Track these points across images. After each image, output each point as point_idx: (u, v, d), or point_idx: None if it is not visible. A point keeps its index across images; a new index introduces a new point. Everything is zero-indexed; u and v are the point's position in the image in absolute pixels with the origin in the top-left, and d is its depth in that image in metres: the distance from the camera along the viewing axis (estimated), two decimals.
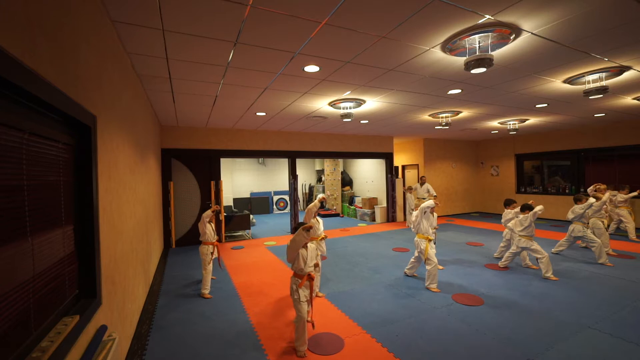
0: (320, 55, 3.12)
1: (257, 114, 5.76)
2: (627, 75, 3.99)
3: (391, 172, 9.67)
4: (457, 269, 4.79)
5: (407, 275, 4.54)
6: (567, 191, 9.10)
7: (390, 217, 9.61)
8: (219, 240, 7.18)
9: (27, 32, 1.10)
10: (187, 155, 6.99)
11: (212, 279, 4.48)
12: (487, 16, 2.41)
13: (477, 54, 2.88)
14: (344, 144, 8.95)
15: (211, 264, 4.09)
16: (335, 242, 6.89)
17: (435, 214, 4.80)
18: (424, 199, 8.67)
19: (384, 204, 9.86)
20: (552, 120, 7.32)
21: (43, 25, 1.23)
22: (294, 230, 2.82)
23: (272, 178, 13.04)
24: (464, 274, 4.52)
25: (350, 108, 5.37)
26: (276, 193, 12.88)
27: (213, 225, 4.24)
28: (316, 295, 3.75)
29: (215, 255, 4.21)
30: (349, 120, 5.63)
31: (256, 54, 3.04)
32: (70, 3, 1.52)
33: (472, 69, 2.89)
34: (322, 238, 3.86)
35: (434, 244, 4.90)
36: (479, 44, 2.82)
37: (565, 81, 4.19)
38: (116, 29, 2.45)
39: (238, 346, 2.75)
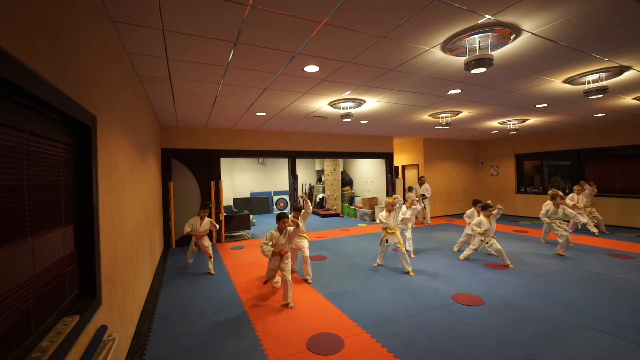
0: (320, 55, 3.12)
1: (257, 114, 5.76)
2: (627, 75, 3.99)
3: (391, 172, 9.66)
4: (457, 269, 4.79)
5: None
6: (567, 191, 9.09)
7: None
8: (219, 240, 7.20)
9: (27, 32, 1.10)
10: (187, 155, 6.99)
11: (210, 273, 4.85)
12: (487, 16, 2.41)
13: (477, 54, 2.88)
14: (344, 144, 8.95)
15: (192, 255, 5.20)
16: (335, 242, 6.89)
17: (405, 210, 5.53)
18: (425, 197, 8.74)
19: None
20: (552, 120, 7.32)
21: (43, 25, 1.23)
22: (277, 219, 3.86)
23: (272, 178, 13.04)
24: (464, 274, 4.52)
25: (350, 108, 5.37)
26: (276, 193, 12.88)
27: (200, 220, 4.94)
28: (305, 280, 4.44)
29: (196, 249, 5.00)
30: (349, 120, 5.63)
31: (256, 54, 3.05)
32: (70, 3, 1.52)
33: (472, 69, 2.89)
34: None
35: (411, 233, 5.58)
36: (479, 44, 2.82)
37: (565, 81, 4.19)
38: (116, 29, 2.45)
39: (238, 346, 2.75)
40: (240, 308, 3.55)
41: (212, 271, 4.80)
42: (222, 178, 8.17)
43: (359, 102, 5.10)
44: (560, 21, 2.51)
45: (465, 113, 6.26)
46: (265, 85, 4.05)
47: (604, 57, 3.37)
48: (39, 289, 1.30)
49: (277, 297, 3.83)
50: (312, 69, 3.48)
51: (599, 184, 8.38)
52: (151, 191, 4.72)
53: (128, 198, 2.81)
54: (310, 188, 13.41)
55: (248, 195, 12.42)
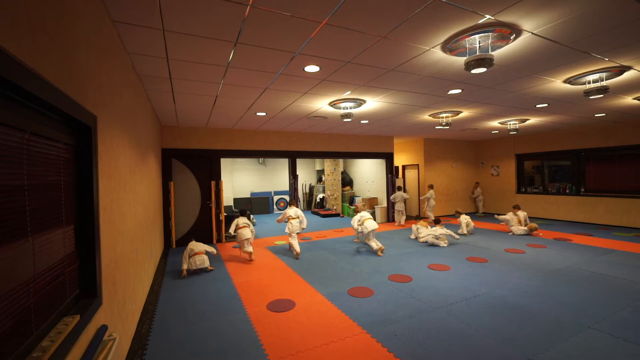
0: (321, 55, 3.12)
1: (258, 114, 5.76)
2: (627, 75, 3.99)
3: (391, 172, 9.66)
4: (457, 269, 4.79)
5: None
6: (567, 191, 9.09)
7: (391, 217, 9.61)
8: (219, 240, 7.21)
9: (27, 32, 1.10)
10: (188, 155, 6.99)
11: (209, 269, 5.01)
12: (488, 16, 2.41)
13: (478, 54, 2.88)
14: (344, 144, 8.95)
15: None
16: (335, 242, 6.89)
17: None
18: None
19: (384, 204, 9.86)
20: (553, 120, 7.32)
21: (43, 25, 1.23)
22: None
23: (272, 178, 13.04)
24: (464, 274, 4.52)
25: (350, 108, 5.37)
26: (276, 193, 12.88)
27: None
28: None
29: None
30: (349, 120, 5.63)
31: (256, 54, 3.05)
32: (71, 3, 1.52)
33: (473, 69, 2.89)
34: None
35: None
36: (479, 44, 2.82)
37: (565, 81, 4.19)
38: (116, 29, 2.46)
39: (238, 346, 2.75)
40: (241, 308, 3.55)
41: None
42: (222, 178, 8.17)
43: (359, 102, 5.10)
44: (560, 21, 2.51)
45: (465, 113, 6.26)
46: (266, 85, 4.05)
47: (604, 57, 3.37)
48: (40, 288, 1.30)
49: (277, 297, 3.83)
50: (312, 69, 3.48)
51: (600, 183, 8.39)
52: (151, 191, 4.72)
53: (128, 198, 2.81)
54: (311, 188, 13.41)
55: (248, 195, 12.42)
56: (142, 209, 3.67)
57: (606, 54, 3.26)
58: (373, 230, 5.83)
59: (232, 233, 5.46)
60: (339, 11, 2.28)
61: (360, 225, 5.97)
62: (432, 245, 6.35)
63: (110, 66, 2.28)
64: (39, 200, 1.30)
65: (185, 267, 4.68)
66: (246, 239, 5.39)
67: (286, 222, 5.91)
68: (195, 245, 4.92)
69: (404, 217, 8.97)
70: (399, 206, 8.90)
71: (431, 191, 9.24)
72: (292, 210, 5.93)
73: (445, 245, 6.26)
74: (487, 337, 2.81)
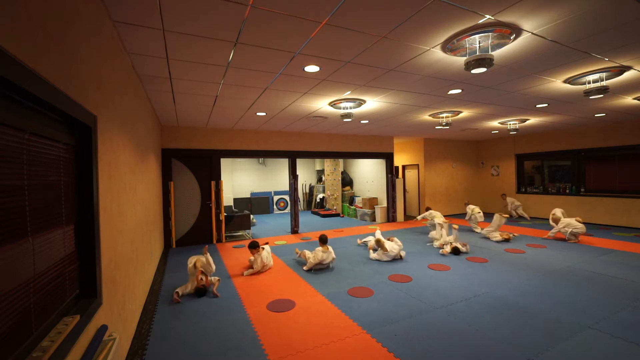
0: (321, 55, 3.12)
1: (258, 114, 5.76)
2: (627, 75, 3.98)
3: (391, 172, 9.66)
4: (457, 269, 4.79)
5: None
6: (567, 191, 9.09)
7: (391, 217, 9.61)
8: (219, 240, 7.21)
9: (27, 32, 1.10)
10: (187, 155, 6.99)
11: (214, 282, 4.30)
12: (488, 16, 2.41)
13: (478, 54, 2.88)
14: (344, 144, 8.95)
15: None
16: (335, 242, 6.89)
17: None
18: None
19: (384, 204, 9.86)
20: (553, 120, 7.32)
21: (44, 25, 1.23)
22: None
23: (272, 178, 13.04)
24: (464, 274, 4.52)
25: (350, 108, 5.37)
26: (276, 193, 12.88)
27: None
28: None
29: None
30: (349, 120, 5.63)
31: (256, 54, 3.05)
32: (71, 3, 1.52)
33: (473, 69, 2.89)
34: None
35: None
36: (479, 44, 2.82)
37: (565, 81, 4.19)
38: (116, 29, 2.46)
39: (238, 346, 2.75)
40: (241, 308, 3.55)
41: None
42: (222, 178, 8.18)
43: (359, 102, 5.10)
44: (560, 21, 2.51)
45: (465, 113, 6.26)
46: (266, 85, 4.05)
47: (604, 57, 3.37)
48: (40, 288, 1.30)
49: (277, 297, 3.83)
50: (312, 69, 3.48)
51: (600, 183, 8.40)
52: (151, 191, 4.72)
53: (128, 198, 2.81)
54: (311, 188, 13.41)
55: (248, 195, 12.42)
56: (142, 209, 3.67)
57: (606, 54, 3.26)
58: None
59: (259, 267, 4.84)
60: (339, 11, 2.28)
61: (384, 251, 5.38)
62: (432, 245, 6.32)
63: (110, 66, 2.28)
64: (39, 200, 1.30)
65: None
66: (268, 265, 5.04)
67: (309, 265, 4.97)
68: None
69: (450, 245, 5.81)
70: (437, 234, 6.35)
71: (470, 206, 7.74)
72: (325, 254, 4.88)
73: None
74: (487, 337, 2.81)
